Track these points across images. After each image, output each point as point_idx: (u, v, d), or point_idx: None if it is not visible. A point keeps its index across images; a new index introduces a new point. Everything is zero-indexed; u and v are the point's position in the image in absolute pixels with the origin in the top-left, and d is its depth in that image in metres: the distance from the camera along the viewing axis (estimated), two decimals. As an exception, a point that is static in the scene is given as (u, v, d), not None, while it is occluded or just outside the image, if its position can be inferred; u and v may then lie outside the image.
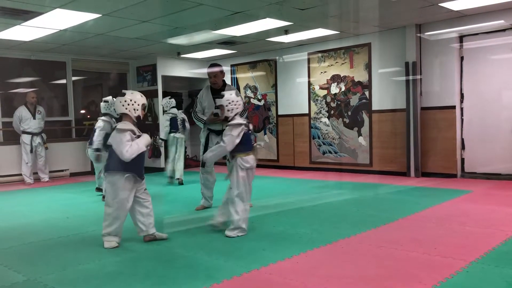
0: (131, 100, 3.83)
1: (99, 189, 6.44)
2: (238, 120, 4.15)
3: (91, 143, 6.22)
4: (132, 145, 3.69)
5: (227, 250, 3.62)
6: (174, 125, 7.73)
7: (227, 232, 4.06)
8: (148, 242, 3.94)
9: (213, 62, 5.69)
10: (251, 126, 4.27)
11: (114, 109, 5.92)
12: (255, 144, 4.31)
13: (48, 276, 3.14)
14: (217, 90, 5.26)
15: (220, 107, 4.20)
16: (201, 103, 5.38)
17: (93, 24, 6.74)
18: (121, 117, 3.92)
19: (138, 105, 3.86)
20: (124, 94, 3.85)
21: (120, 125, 3.80)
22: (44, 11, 5.99)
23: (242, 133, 4.10)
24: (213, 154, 4.20)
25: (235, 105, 4.16)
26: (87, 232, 4.45)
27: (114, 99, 5.99)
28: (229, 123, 4.14)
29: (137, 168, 3.83)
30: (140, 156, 3.81)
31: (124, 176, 3.74)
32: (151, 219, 3.98)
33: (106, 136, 4.04)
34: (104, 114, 6.25)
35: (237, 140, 4.05)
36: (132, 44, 8.51)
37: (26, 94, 8.63)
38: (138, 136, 3.84)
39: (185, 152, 8.23)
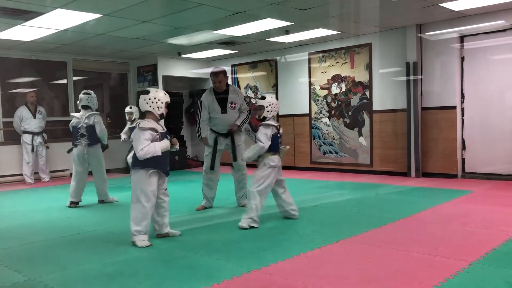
0: (155, 98, 3.90)
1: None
2: (271, 121, 4.48)
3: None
4: (150, 145, 3.73)
5: (228, 251, 3.62)
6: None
7: (241, 224, 4.31)
8: (149, 241, 3.94)
9: (216, 65, 5.71)
10: (281, 130, 4.61)
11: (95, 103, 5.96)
12: (281, 147, 4.61)
13: (48, 276, 3.14)
14: (221, 92, 5.24)
15: (260, 107, 4.48)
16: (206, 108, 5.25)
17: (94, 24, 6.74)
18: (145, 114, 3.95)
19: (162, 103, 3.93)
20: (148, 92, 3.91)
21: (142, 123, 3.83)
22: (45, 11, 6.00)
23: (272, 133, 4.43)
24: (254, 153, 4.44)
25: (273, 107, 4.50)
26: (88, 232, 4.46)
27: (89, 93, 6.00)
28: (263, 123, 4.46)
29: (162, 164, 3.89)
30: (165, 152, 3.87)
31: (148, 172, 3.80)
32: (165, 219, 4.07)
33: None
34: (84, 107, 5.94)
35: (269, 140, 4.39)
36: (133, 44, 8.51)
37: (26, 94, 8.64)
38: (162, 134, 3.90)
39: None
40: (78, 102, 6.10)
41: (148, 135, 3.75)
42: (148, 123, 3.83)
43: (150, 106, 3.88)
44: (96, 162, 6.15)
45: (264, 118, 4.55)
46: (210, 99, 5.25)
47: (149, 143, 3.73)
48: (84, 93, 6.05)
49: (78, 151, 6.04)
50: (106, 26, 6.95)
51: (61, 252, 3.77)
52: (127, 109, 7.56)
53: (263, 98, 4.54)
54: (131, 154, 5.09)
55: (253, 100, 10.13)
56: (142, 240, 3.81)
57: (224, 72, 5.31)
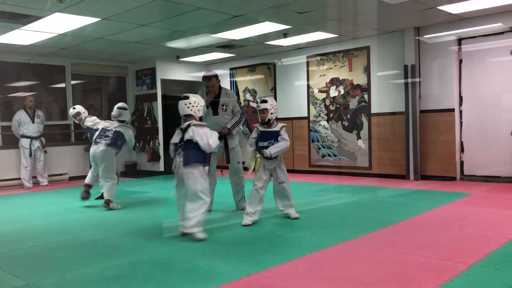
0: (195, 102, 4.18)
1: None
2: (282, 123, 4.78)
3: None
4: (214, 136, 4.11)
5: (227, 254, 3.61)
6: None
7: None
8: (148, 245, 3.93)
9: (213, 69, 5.71)
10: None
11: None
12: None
13: (47, 280, 3.13)
14: (214, 95, 5.27)
15: (264, 110, 4.66)
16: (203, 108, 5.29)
17: (92, 28, 6.74)
18: (185, 119, 4.22)
19: (201, 106, 4.22)
20: (187, 97, 4.19)
21: (195, 123, 4.12)
22: (43, 15, 6.00)
23: None
24: (280, 149, 4.63)
25: (275, 109, 4.72)
26: (86, 236, 4.45)
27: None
28: (282, 126, 4.74)
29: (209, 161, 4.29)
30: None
31: (206, 168, 4.12)
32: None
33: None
34: (121, 121, 6.22)
35: None
36: (131, 48, 8.52)
37: (25, 98, 8.63)
38: None
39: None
40: (114, 114, 6.31)
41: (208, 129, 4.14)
42: (199, 123, 4.16)
43: (192, 110, 4.16)
44: (109, 163, 6.05)
45: (269, 121, 4.69)
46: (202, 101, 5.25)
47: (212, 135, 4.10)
48: (122, 108, 6.35)
49: (93, 149, 6.05)
50: (104, 30, 6.96)
51: (59, 256, 3.76)
52: (72, 110, 6.89)
53: (265, 101, 4.68)
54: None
55: (251, 104, 10.14)
56: (202, 231, 4.09)
57: (216, 76, 5.33)
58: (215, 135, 4.14)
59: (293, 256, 3.46)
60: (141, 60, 10.13)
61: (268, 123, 4.70)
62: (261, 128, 4.72)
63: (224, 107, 5.27)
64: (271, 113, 4.66)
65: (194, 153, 4.04)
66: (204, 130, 4.07)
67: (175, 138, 4.18)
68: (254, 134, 4.75)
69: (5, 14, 5.90)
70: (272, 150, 4.58)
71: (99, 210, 5.89)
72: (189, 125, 4.09)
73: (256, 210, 4.65)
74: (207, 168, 4.14)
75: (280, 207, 4.89)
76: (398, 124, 7.88)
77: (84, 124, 6.85)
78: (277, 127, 4.72)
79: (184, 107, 4.17)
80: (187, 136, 4.05)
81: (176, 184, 4.21)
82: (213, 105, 5.26)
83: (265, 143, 4.65)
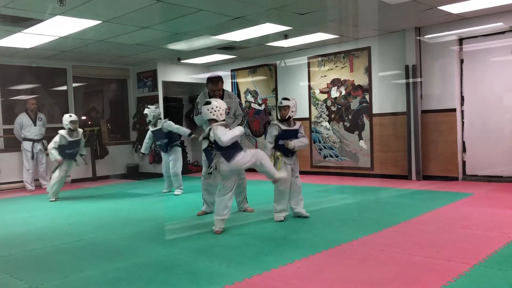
0: (216, 107, 4.34)
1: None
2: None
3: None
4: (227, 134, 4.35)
5: (229, 256, 3.61)
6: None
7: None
8: (151, 247, 3.94)
9: (215, 71, 5.70)
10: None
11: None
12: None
13: (50, 283, 3.13)
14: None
15: (286, 108, 4.83)
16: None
17: (94, 30, 6.76)
18: (208, 123, 4.43)
19: (223, 110, 4.39)
20: (209, 103, 4.36)
21: (215, 124, 4.34)
22: (45, 19, 6.01)
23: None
24: (302, 144, 4.89)
25: (296, 108, 4.92)
26: (89, 238, 4.45)
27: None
28: (300, 124, 4.98)
29: None
30: None
31: (244, 150, 4.45)
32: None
33: None
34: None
35: None
36: (132, 50, 8.54)
37: (27, 101, 8.65)
38: None
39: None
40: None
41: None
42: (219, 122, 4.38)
43: (214, 114, 4.33)
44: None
45: (289, 118, 4.86)
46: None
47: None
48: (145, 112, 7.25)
49: None
50: (105, 32, 6.97)
51: (62, 259, 3.76)
52: (68, 118, 7.00)
53: (287, 99, 4.87)
54: None
55: (253, 105, 10.14)
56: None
57: (221, 78, 5.33)
58: (237, 129, 4.34)
59: (296, 257, 3.46)
60: (142, 62, 10.14)
61: (287, 121, 4.88)
62: (283, 127, 4.84)
63: (227, 111, 5.23)
64: (292, 111, 4.85)
65: (229, 147, 4.31)
66: (221, 129, 4.29)
67: (204, 144, 4.47)
68: (274, 132, 4.81)
69: (7, 17, 5.91)
70: (296, 143, 4.81)
71: (101, 213, 5.90)
72: (210, 129, 4.34)
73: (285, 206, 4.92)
74: (243, 170, 4.67)
75: (292, 205, 4.97)
76: (399, 125, 7.87)
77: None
78: (296, 125, 4.94)
79: (207, 112, 4.35)
80: (212, 139, 4.31)
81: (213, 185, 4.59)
82: None
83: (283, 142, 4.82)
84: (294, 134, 4.87)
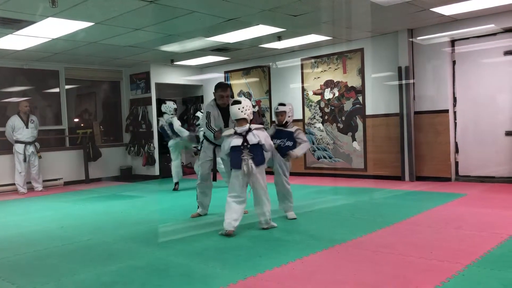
0: (247, 106, 4.38)
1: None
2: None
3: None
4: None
5: (223, 258, 3.61)
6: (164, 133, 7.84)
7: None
8: (144, 250, 3.92)
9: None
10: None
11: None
12: None
13: (42, 287, 3.11)
14: (224, 107, 5.03)
15: (282, 113, 4.93)
16: (215, 119, 5.07)
17: (86, 32, 6.73)
18: (236, 123, 4.45)
19: (251, 109, 4.44)
20: (239, 102, 4.39)
21: (256, 126, 4.40)
22: (37, 20, 5.98)
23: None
24: (304, 150, 4.95)
25: (292, 113, 5.03)
26: (82, 241, 4.42)
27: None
28: (297, 128, 4.96)
29: None
30: None
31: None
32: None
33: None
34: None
35: None
36: (125, 52, 8.51)
37: (19, 103, 8.59)
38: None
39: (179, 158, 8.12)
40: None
41: None
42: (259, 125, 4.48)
43: (245, 114, 4.35)
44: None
45: (286, 123, 4.94)
46: (215, 113, 5.07)
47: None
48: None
49: None
50: (98, 34, 6.94)
51: (55, 262, 3.74)
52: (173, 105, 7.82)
53: (283, 104, 4.96)
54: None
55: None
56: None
57: (230, 86, 5.31)
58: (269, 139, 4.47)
59: (290, 259, 3.46)
60: (135, 64, 10.12)
61: (284, 126, 4.95)
62: (277, 127, 5.00)
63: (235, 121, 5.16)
64: (288, 116, 4.94)
65: (261, 153, 4.38)
66: (264, 133, 4.41)
67: (236, 142, 4.31)
68: (270, 132, 4.93)
69: (-2, 19, 5.88)
70: (299, 152, 4.85)
71: (94, 215, 5.86)
72: (249, 129, 4.33)
73: None
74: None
75: (280, 207, 5.08)
76: (392, 126, 7.90)
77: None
78: (292, 128, 4.97)
79: (238, 111, 4.34)
80: (253, 140, 4.29)
81: (239, 184, 4.40)
82: (225, 117, 5.04)
83: (278, 141, 4.90)
84: (287, 135, 4.91)
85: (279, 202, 5.04)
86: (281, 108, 4.94)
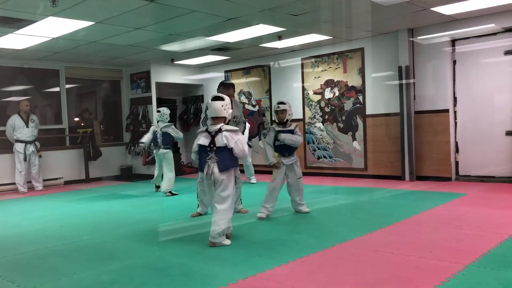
0: (229, 103, 4.07)
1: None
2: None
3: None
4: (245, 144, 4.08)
5: (223, 257, 3.60)
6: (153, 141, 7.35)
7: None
8: (144, 249, 3.92)
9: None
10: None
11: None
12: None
13: (42, 286, 3.11)
14: None
15: (284, 111, 5.08)
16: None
17: (86, 31, 6.73)
18: (212, 121, 4.07)
19: (231, 109, 4.13)
20: (223, 98, 4.05)
21: (227, 127, 3.98)
22: (37, 19, 5.98)
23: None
24: (292, 141, 5.02)
25: (292, 111, 5.19)
26: (82, 240, 4.42)
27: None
28: (296, 125, 5.18)
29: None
30: None
31: (236, 170, 4.19)
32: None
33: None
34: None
35: None
36: (126, 51, 8.51)
37: (19, 103, 8.60)
38: None
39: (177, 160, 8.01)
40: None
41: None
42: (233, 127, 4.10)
43: (227, 112, 4.04)
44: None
45: (287, 121, 5.12)
46: None
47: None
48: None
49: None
50: (98, 33, 6.94)
51: (55, 262, 3.74)
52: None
53: (284, 103, 5.10)
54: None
55: (247, 106, 10.13)
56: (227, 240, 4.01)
57: (234, 85, 5.42)
58: (245, 139, 4.18)
59: (290, 258, 3.46)
60: (135, 64, 10.11)
61: (285, 124, 5.12)
62: (277, 128, 5.11)
63: (235, 119, 5.20)
64: (289, 114, 5.12)
65: (229, 158, 3.93)
66: (238, 136, 3.96)
67: (203, 141, 3.98)
68: (272, 134, 5.10)
69: (-2, 18, 5.88)
70: (286, 137, 5.00)
71: (94, 215, 5.87)
72: (220, 129, 3.94)
73: (271, 205, 5.10)
74: (237, 169, 4.26)
75: (294, 204, 5.30)
76: (393, 125, 7.90)
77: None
78: (292, 126, 5.16)
79: (220, 108, 3.98)
80: (220, 142, 3.90)
81: (206, 189, 4.12)
82: None
83: (283, 135, 5.03)
84: (288, 133, 5.10)
85: (296, 197, 5.29)
86: (282, 107, 5.09)
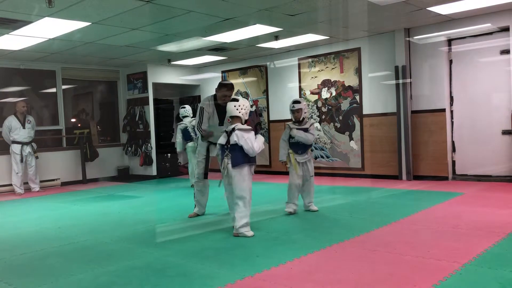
0: (244, 105, 4.34)
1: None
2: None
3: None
4: (259, 141, 4.32)
5: (221, 258, 3.60)
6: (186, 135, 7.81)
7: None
8: (142, 250, 3.92)
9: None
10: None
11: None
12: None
13: (40, 288, 3.10)
14: (222, 105, 5.01)
15: (299, 110, 5.18)
16: (210, 117, 5.14)
17: (83, 32, 6.71)
18: (231, 121, 4.38)
19: (248, 109, 4.40)
20: (237, 100, 4.36)
21: (240, 127, 4.28)
22: (33, 20, 5.96)
23: None
24: (303, 138, 5.15)
25: (307, 109, 5.34)
26: (79, 242, 4.41)
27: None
28: (311, 123, 5.32)
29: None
30: None
31: (252, 168, 4.36)
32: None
33: None
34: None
35: None
36: (122, 52, 8.49)
37: (15, 104, 8.57)
38: None
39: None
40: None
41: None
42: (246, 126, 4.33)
43: (240, 112, 4.31)
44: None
45: (303, 120, 5.23)
46: (211, 109, 5.12)
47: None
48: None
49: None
50: (94, 34, 6.93)
51: (52, 263, 3.72)
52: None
53: (299, 102, 5.20)
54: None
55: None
56: (249, 230, 4.28)
57: (233, 85, 5.35)
58: (260, 139, 4.33)
59: (288, 258, 3.46)
60: (132, 64, 10.10)
61: (301, 122, 5.23)
62: (292, 126, 5.22)
63: (230, 120, 5.16)
64: (305, 112, 5.22)
65: (241, 155, 4.24)
66: (249, 135, 4.24)
67: (222, 140, 4.35)
68: (287, 131, 5.22)
69: (-6, 19, 5.86)
70: (298, 133, 5.12)
71: (91, 216, 5.85)
72: (233, 129, 4.26)
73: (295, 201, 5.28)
74: (253, 167, 4.38)
75: (306, 203, 5.40)
76: (390, 125, 7.91)
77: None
78: (307, 124, 5.26)
79: (233, 109, 4.32)
80: (232, 140, 4.23)
81: (226, 185, 4.47)
82: (220, 115, 5.07)
83: (297, 134, 5.16)
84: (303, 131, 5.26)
85: (307, 196, 5.40)
86: (297, 106, 5.18)
